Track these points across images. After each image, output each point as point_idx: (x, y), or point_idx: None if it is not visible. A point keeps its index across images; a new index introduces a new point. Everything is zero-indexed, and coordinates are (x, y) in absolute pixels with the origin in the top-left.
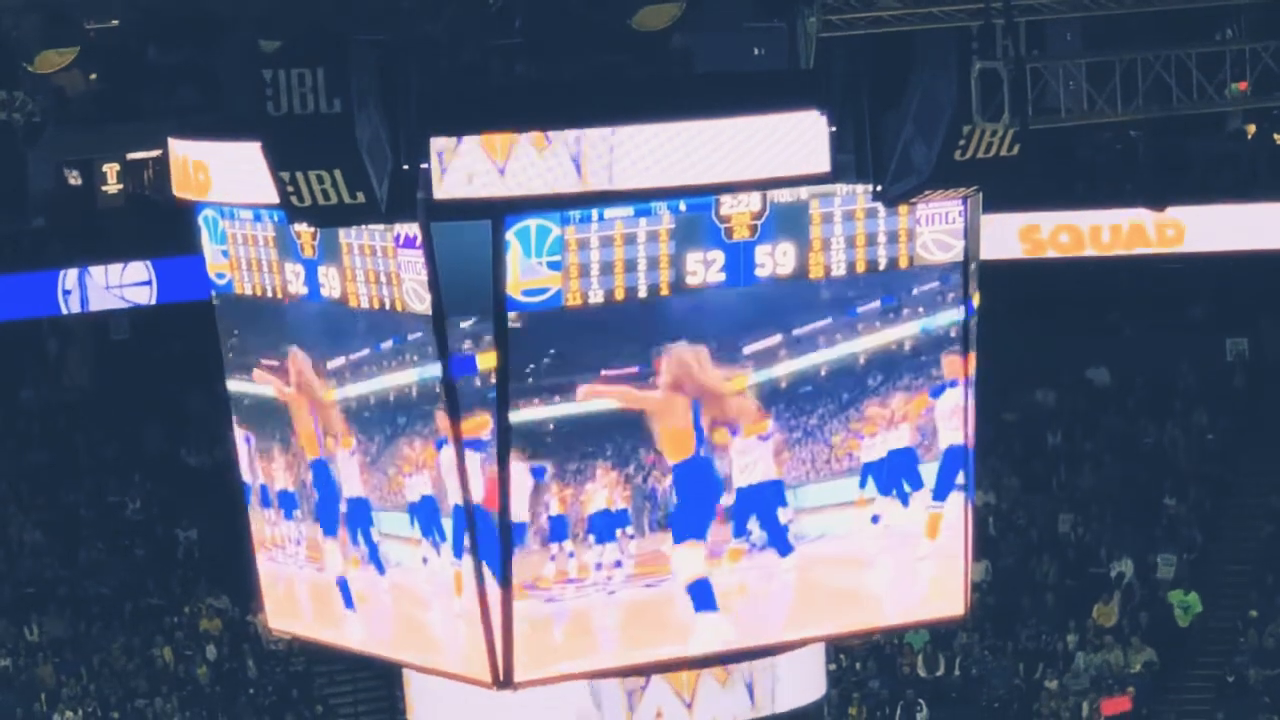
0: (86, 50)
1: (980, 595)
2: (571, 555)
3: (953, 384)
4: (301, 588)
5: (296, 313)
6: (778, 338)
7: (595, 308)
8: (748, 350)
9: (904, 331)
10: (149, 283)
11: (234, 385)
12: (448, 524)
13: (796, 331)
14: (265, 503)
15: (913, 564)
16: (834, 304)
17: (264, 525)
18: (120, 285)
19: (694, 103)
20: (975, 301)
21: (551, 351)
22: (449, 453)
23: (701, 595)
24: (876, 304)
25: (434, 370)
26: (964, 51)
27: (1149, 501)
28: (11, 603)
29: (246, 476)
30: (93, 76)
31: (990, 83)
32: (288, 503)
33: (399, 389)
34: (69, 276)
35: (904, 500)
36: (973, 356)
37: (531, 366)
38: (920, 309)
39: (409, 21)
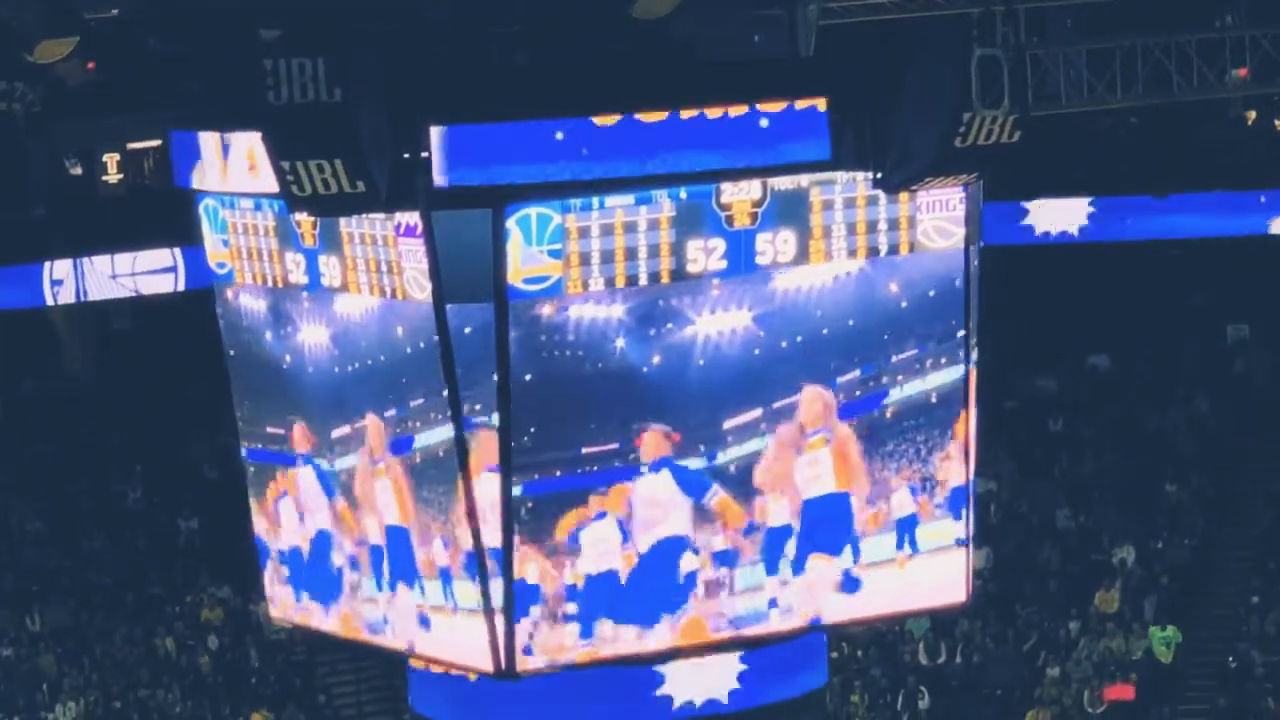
0: (86, 39)
1: (982, 582)
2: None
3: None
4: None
5: (298, 382)
6: (758, 412)
7: (577, 381)
8: (727, 425)
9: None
10: (173, 269)
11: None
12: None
13: (776, 405)
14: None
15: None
16: (814, 373)
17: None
18: (132, 274)
19: (694, 91)
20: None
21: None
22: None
23: None
24: (856, 374)
25: (445, 432)
26: (964, 38)
27: (1151, 488)
28: (13, 593)
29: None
30: (90, 65)
31: (990, 70)
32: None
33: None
34: (58, 267)
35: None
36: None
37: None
38: (899, 376)
39: (410, 10)
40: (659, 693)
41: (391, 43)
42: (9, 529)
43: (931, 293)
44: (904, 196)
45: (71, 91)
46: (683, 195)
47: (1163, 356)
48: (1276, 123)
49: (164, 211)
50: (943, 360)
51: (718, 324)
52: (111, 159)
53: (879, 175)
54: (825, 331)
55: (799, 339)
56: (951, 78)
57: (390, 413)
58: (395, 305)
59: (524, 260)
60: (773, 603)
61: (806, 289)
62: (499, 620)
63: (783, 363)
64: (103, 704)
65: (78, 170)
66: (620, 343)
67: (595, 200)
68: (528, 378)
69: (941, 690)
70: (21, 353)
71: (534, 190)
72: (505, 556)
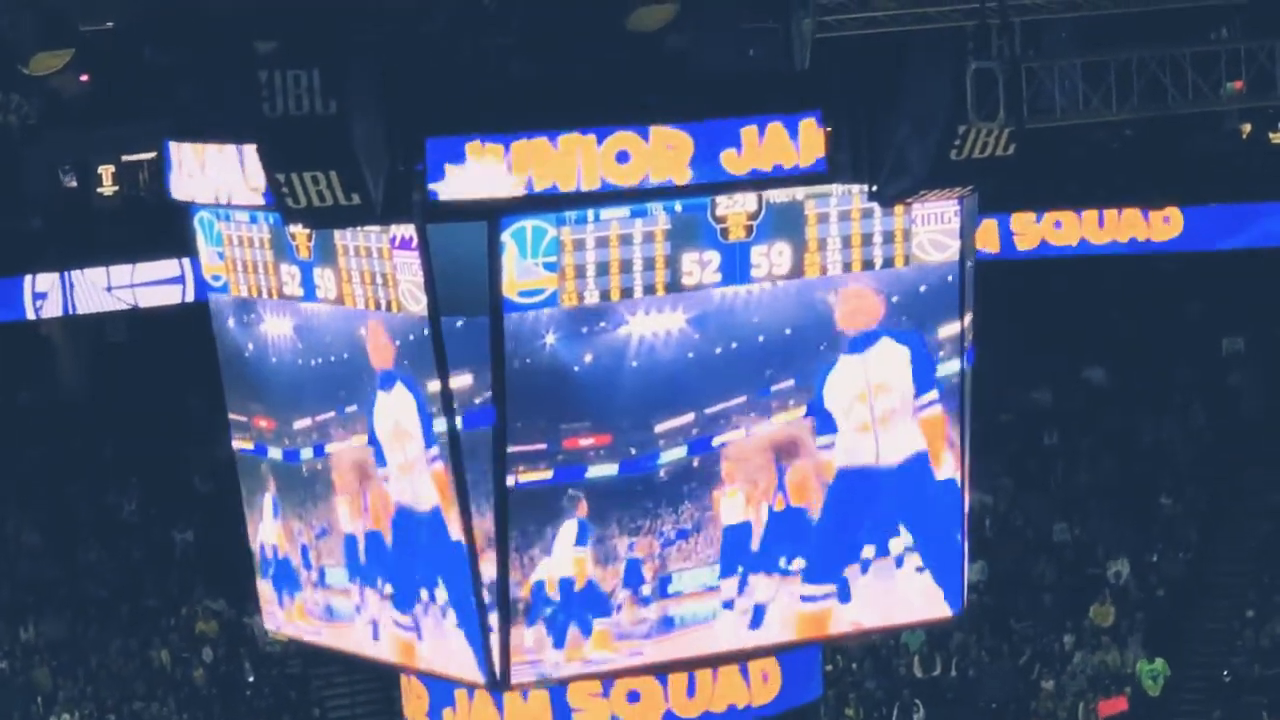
0: (81, 51)
1: (977, 596)
2: None
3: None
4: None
5: (259, 371)
6: (690, 416)
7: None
8: (659, 429)
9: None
10: (180, 279)
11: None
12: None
13: (709, 410)
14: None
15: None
16: (748, 380)
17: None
18: (131, 285)
19: (689, 104)
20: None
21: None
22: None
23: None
24: (790, 383)
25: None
26: (959, 51)
27: (1146, 500)
28: (8, 605)
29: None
30: (83, 78)
31: (985, 82)
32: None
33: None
34: (41, 280)
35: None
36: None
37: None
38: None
39: (404, 22)
40: (653, 706)
41: (387, 55)
42: (4, 540)
43: None
44: (899, 209)
45: (66, 103)
46: (678, 208)
47: (1157, 369)
48: (1271, 136)
49: (161, 223)
50: None
51: (652, 325)
52: (106, 171)
53: (874, 188)
54: (761, 339)
55: (734, 345)
56: (947, 90)
57: (352, 408)
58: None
59: (519, 273)
60: (727, 604)
61: (745, 295)
62: (492, 628)
63: (717, 368)
64: (97, 716)
65: (72, 182)
66: (550, 339)
67: (590, 213)
68: None
69: (936, 703)
70: (16, 364)
71: (529, 203)
72: (501, 562)
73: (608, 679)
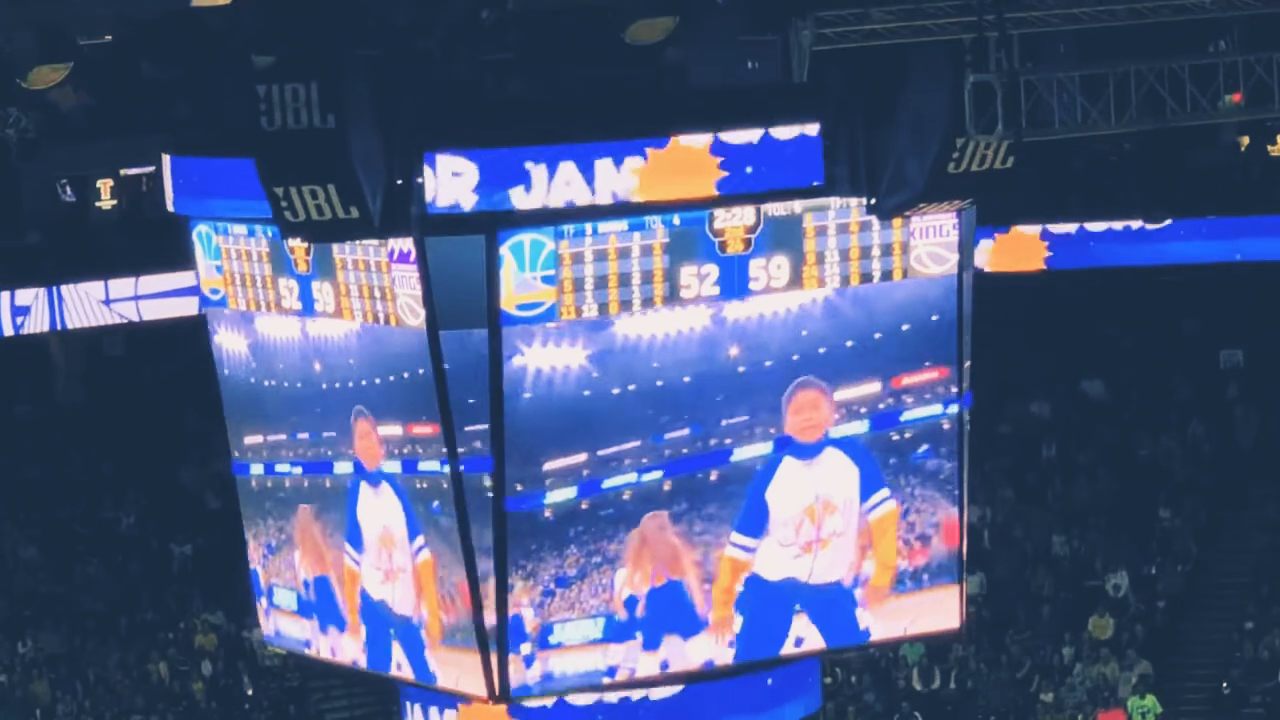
0: (79, 65)
1: (975, 608)
2: None
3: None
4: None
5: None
6: (582, 456)
7: None
8: (548, 467)
9: None
10: (195, 289)
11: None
12: None
13: (601, 452)
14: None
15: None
16: (640, 424)
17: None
18: (135, 298)
19: (688, 117)
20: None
21: None
22: None
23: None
24: (685, 432)
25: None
26: (957, 64)
27: (1144, 513)
28: (6, 619)
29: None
30: (80, 93)
31: (984, 95)
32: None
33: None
34: (20, 295)
35: None
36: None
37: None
38: (728, 440)
39: (402, 37)
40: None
41: (385, 69)
42: (1, 554)
43: (768, 363)
44: (897, 222)
45: (65, 117)
46: (676, 221)
47: (1156, 382)
48: (1269, 148)
49: (161, 236)
50: (771, 430)
51: (549, 358)
52: (105, 185)
53: (872, 201)
54: (659, 383)
55: (631, 387)
56: (945, 103)
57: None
58: (313, 339)
59: (517, 286)
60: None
61: (648, 338)
62: (492, 644)
63: (610, 409)
64: None
65: (71, 197)
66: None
67: (589, 226)
68: None
69: (935, 715)
70: (13, 377)
71: (527, 216)
72: (500, 579)
73: None
